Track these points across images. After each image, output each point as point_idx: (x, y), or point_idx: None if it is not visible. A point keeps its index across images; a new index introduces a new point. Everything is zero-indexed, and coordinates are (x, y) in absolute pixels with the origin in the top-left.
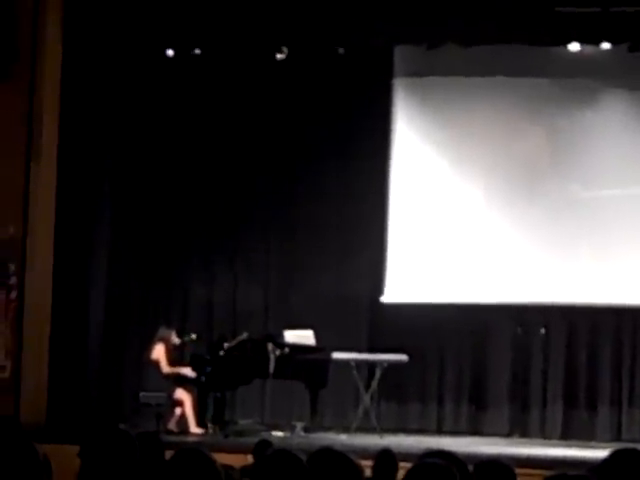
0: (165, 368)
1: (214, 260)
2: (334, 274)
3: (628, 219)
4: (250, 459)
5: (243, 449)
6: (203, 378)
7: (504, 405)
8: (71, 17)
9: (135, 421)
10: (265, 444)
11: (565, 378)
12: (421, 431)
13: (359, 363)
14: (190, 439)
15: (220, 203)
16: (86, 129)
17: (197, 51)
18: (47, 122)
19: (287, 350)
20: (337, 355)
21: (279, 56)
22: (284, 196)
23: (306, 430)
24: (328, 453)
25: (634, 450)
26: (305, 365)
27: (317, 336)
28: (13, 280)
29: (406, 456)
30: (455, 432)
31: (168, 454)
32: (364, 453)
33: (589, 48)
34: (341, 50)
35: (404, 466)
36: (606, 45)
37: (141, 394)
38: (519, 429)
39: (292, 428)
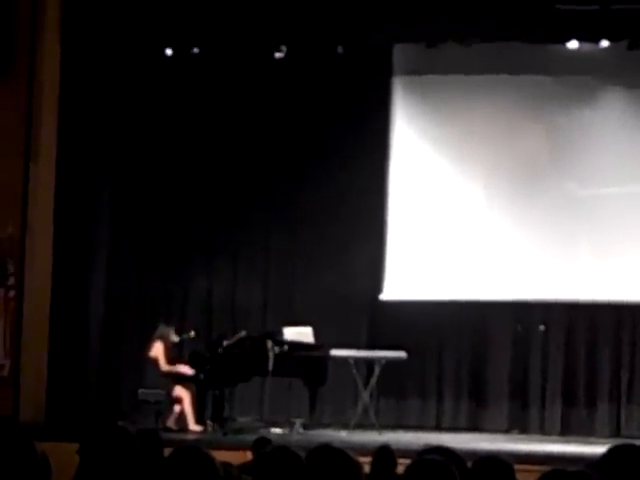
0: (164, 366)
1: (213, 258)
2: (333, 271)
3: (627, 216)
4: (249, 456)
5: (242, 446)
6: (202, 376)
7: (503, 401)
8: (70, 16)
9: (134, 418)
10: (264, 441)
11: (564, 375)
12: (420, 427)
13: (358, 360)
14: (189, 436)
15: (219, 200)
16: (85, 128)
17: (196, 50)
18: (46, 122)
19: (286, 347)
20: (336, 352)
21: (278, 55)
22: (283, 194)
23: (305, 427)
24: (327, 450)
25: (632, 446)
26: (304, 362)
27: (316, 333)
28: (12, 279)
29: (405, 452)
30: (454, 428)
31: (167, 451)
32: (363, 450)
33: (588, 46)
34: (340, 49)
35: (403, 462)
36: (605, 43)
37: (140, 391)
38: (518, 425)
39: (291, 425)
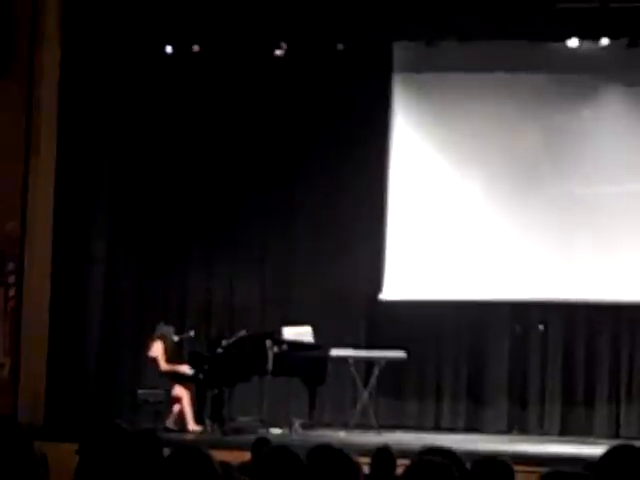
0: (163, 365)
1: (212, 258)
2: (333, 271)
3: (626, 216)
4: (248, 456)
5: (241, 446)
6: (201, 375)
7: (502, 402)
8: (69, 14)
9: (133, 418)
10: (263, 441)
11: (563, 374)
12: (419, 428)
13: (357, 360)
14: (188, 436)
15: (218, 199)
16: (84, 126)
17: (196, 48)
18: (45, 121)
19: (285, 347)
20: (335, 352)
21: (278, 52)
22: (282, 192)
23: (304, 427)
24: (326, 450)
25: (631, 447)
26: (303, 362)
27: (316, 333)
28: (11, 278)
29: (404, 453)
30: (453, 429)
31: (166, 451)
32: (362, 450)
33: (588, 44)
34: (340, 46)
35: (402, 463)
36: (605, 41)
37: (139, 391)
38: (517, 426)
39: (290, 425)
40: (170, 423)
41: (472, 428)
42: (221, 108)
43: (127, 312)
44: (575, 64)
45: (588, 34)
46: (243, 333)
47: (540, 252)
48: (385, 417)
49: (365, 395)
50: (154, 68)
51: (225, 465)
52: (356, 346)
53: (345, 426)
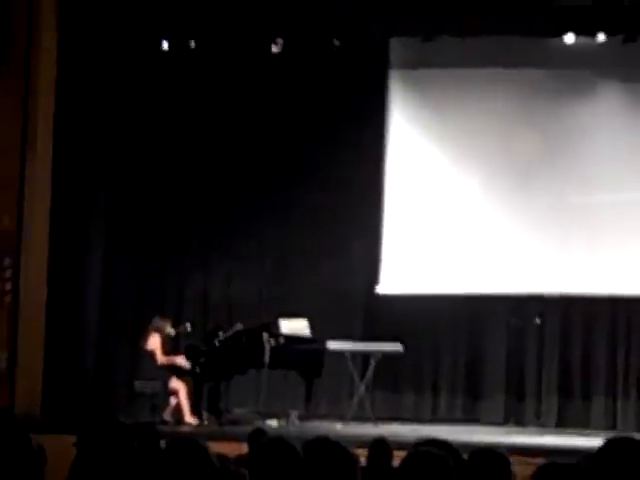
0: (160, 358)
1: (209, 250)
2: (329, 265)
3: (623, 210)
4: (245, 448)
5: (238, 438)
6: (198, 368)
7: (499, 394)
8: (66, 10)
9: (130, 411)
10: (260, 433)
11: (560, 367)
12: (416, 420)
13: (354, 353)
14: (185, 429)
15: (215, 194)
16: (81, 123)
17: (192, 44)
18: (42, 116)
19: (282, 340)
20: (332, 345)
21: (274, 48)
22: (279, 187)
23: (301, 419)
24: (323, 442)
25: (628, 438)
26: (300, 355)
27: (312, 326)
28: (8, 272)
29: (401, 445)
30: (450, 420)
31: (163, 443)
32: (358, 442)
33: (584, 40)
34: (337, 42)
35: (399, 455)
36: (601, 37)
37: (136, 383)
38: (514, 418)
39: (287, 417)
40: (167, 415)
41: (469, 420)
42: (217, 104)
43: (124, 305)
44: (571, 60)
45: (584, 30)
46: (240, 326)
47: (537, 246)
48: (382, 409)
49: (362, 388)
50: (150, 64)
51: (222, 457)
52: (353, 339)
53: (342, 418)
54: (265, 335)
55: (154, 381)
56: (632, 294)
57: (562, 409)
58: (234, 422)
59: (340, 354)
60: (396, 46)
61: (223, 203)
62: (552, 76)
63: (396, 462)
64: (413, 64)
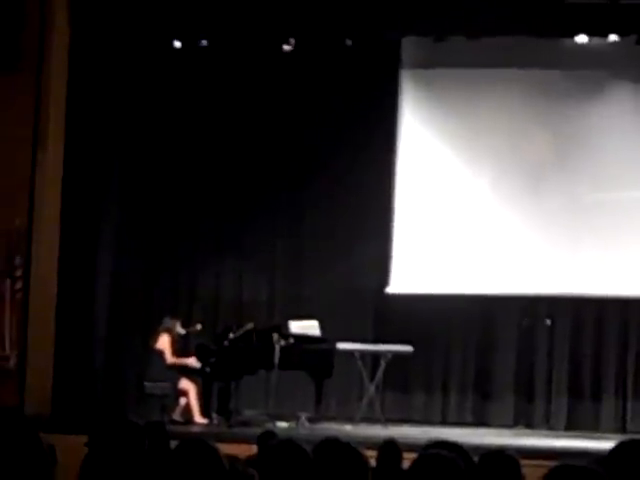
0: (170, 358)
1: (220, 251)
2: (340, 265)
3: (635, 210)
4: (255, 449)
5: (248, 439)
6: (208, 368)
7: (509, 396)
8: (78, 9)
9: (140, 411)
10: (269, 434)
11: (570, 369)
12: (426, 422)
13: (364, 353)
14: (194, 429)
15: (227, 193)
16: (93, 119)
17: (204, 43)
18: (53, 116)
19: (292, 340)
20: (342, 345)
21: (286, 47)
22: (290, 187)
23: (310, 420)
24: (334, 444)
25: None
26: (310, 355)
27: (322, 326)
28: (19, 271)
29: (410, 447)
30: (460, 423)
31: (173, 444)
32: (368, 443)
33: (597, 40)
34: (348, 41)
35: (408, 457)
36: (614, 37)
37: (146, 384)
38: (524, 420)
39: (297, 418)
40: (177, 416)
41: (479, 422)
42: (229, 103)
43: (134, 305)
44: (584, 60)
45: (597, 30)
46: (250, 326)
47: (548, 247)
48: (391, 411)
49: (372, 389)
50: (162, 63)
51: (232, 458)
52: (363, 340)
53: (351, 420)
54: (275, 335)
55: (164, 382)
56: None
57: (572, 411)
58: (244, 423)
59: (350, 354)
60: (408, 46)
61: (234, 203)
62: (564, 76)
63: (406, 464)
64: (425, 64)
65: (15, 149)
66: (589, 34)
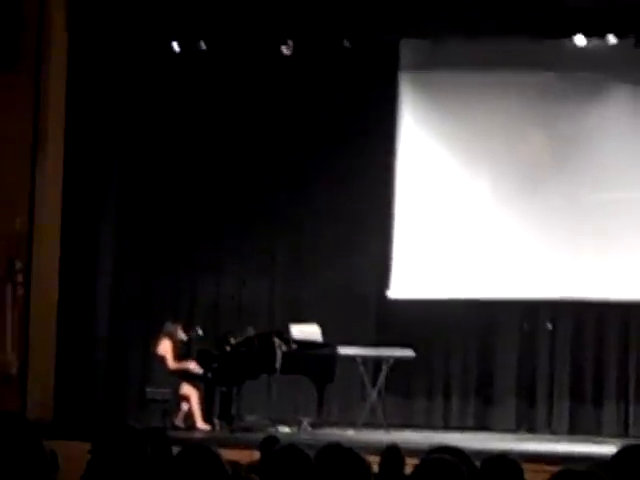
0: (171, 364)
1: (221, 255)
2: (341, 269)
3: (635, 213)
4: (257, 455)
5: (250, 445)
6: (209, 374)
7: (511, 400)
8: (76, 11)
9: (141, 417)
10: (272, 440)
11: (572, 373)
12: (428, 426)
13: (365, 358)
14: (196, 435)
15: (226, 197)
16: (92, 122)
17: (202, 45)
18: (53, 119)
19: (294, 345)
20: (344, 350)
21: (284, 50)
22: (290, 191)
23: (313, 426)
24: (336, 449)
25: None
26: (312, 360)
27: (324, 331)
28: (20, 276)
29: (413, 452)
30: (462, 428)
31: (175, 450)
32: (371, 449)
33: (595, 42)
34: (347, 43)
35: (411, 462)
36: (612, 39)
37: (147, 390)
38: (526, 424)
39: (299, 424)
40: (179, 421)
41: (481, 427)
42: (227, 105)
43: (135, 310)
44: (582, 62)
45: (595, 32)
46: (251, 331)
47: (549, 251)
48: (393, 416)
49: (373, 394)
50: (161, 65)
51: (234, 464)
52: (364, 344)
53: (353, 425)
54: (277, 340)
55: (165, 389)
56: None
57: (574, 415)
58: (246, 429)
59: (351, 359)
60: (406, 48)
61: (234, 207)
62: (562, 78)
63: (408, 469)
64: (423, 66)
65: (15, 149)
66: (587, 36)
